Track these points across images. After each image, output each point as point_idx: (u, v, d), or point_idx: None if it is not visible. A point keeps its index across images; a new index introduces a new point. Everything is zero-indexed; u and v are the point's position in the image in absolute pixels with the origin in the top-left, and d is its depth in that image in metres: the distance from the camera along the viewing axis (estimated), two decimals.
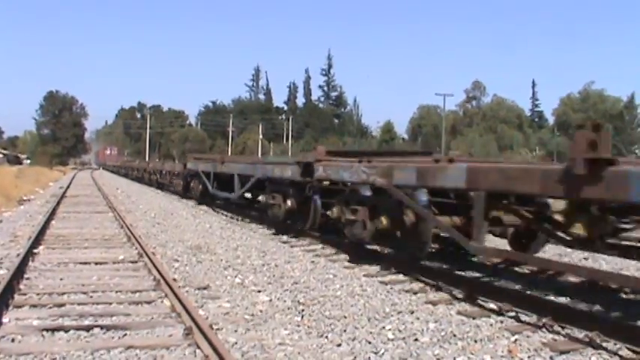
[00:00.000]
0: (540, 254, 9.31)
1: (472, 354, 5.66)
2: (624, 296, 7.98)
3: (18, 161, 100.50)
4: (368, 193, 10.19)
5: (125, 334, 6.08)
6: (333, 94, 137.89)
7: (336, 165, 10.99)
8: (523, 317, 6.84)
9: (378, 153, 14.28)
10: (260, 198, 17.25)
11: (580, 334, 6.15)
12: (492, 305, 7.34)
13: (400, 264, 9.60)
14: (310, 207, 12.42)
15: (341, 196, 10.85)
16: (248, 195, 18.94)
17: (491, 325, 6.63)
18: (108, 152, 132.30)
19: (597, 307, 7.26)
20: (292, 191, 13.28)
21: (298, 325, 6.60)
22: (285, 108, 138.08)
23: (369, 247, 10.89)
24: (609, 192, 5.76)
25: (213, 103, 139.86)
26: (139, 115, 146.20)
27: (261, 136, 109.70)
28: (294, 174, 12.64)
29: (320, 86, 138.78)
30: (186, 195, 25.36)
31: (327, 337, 6.19)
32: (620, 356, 5.63)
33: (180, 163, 30.82)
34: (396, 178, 8.97)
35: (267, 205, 14.40)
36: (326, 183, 12.07)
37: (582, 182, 5.95)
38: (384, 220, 9.61)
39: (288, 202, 13.31)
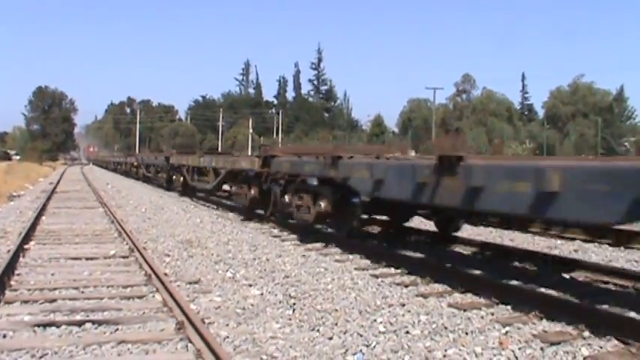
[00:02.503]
0: None
1: (463, 346, 5.68)
2: (613, 288, 8.04)
3: (7, 157, 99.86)
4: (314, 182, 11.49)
5: (117, 329, 6.09)
6: (323, 87, 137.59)
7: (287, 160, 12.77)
8: (514, 309, 6.88)
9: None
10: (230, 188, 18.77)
11: (570, 325, 6.19)
12: (482, 297, 7.38)
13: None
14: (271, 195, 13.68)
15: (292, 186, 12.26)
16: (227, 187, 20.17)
17: (482, 317, 6.67)
18: (91, 149, 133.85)
19: (587, 299, 7.31)
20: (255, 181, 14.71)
21: (290, 319, 6.61)
22: (275, 102, 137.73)
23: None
24: None
25: (203, 97, 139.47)
26: (128, 110, 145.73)
27: (251, 130, 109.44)
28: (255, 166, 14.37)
29: (310, 80, 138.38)
30: (170, 188, 27.25)
31: (318, 330, 6.21)
32: (610, 347, 5.67)
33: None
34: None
35: (235, 194, 16.37)
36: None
37: None
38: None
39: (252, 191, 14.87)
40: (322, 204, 10.93)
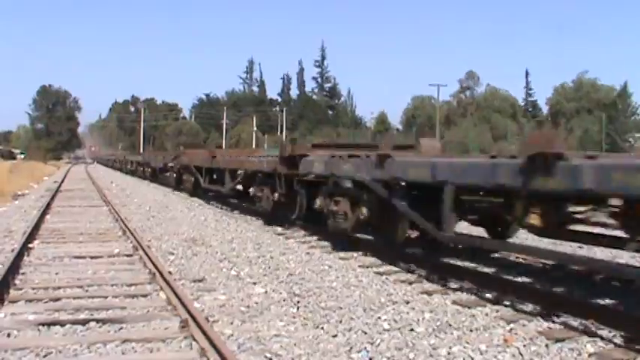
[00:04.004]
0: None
1: (468, 343, 5.67)
2: (618, 284, 8.01)
3: (12, 156, 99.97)
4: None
5: (121, 328, 6.09)
6: (327, 85, 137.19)
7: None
8: (519, 306, 6.86)
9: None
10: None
11: (575, 322, 6.17)
12: (487, 294, 7.36)
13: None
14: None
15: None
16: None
17: (486, 314, 6.65)
18: (93, 148, 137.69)
19: (592, 296, 7.29)
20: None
21: (294, 317, 6.61)
22: (279, 100, 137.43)
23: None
24: None
25: (207, 95, 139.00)
26: (132, 109, 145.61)
27: (255, 128, 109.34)
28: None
29: (314, 78, 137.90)
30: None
31: (322, 328, 6.21)
32: (615, 344, 5.65)
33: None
34: None
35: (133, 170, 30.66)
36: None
37: None
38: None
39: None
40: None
